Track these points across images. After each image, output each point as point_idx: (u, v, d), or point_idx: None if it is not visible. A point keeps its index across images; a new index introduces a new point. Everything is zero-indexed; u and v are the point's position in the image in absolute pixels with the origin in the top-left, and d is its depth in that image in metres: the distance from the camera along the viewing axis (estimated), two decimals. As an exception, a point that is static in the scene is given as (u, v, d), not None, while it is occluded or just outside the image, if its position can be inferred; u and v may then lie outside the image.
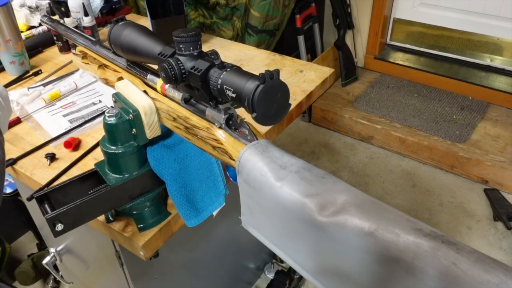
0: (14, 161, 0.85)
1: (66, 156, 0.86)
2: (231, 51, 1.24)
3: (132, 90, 0.63)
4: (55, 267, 1.23)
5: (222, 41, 1.31)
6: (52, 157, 0.85)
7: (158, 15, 1.17)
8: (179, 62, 0.51)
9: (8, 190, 1.54)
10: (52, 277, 1.60)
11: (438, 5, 2.33)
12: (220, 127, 0.51)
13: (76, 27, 1.23)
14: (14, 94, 1.05)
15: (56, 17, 1.28)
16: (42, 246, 1.68)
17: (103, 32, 1.38)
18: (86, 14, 1.22)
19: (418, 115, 2.22)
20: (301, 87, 1.05)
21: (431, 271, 0.32)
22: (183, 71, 0.51)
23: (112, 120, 0.61)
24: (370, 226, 0.36)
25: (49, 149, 0.88)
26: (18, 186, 1.34)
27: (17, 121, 0.97)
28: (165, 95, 0.60)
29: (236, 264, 1.39)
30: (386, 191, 1.99)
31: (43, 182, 0.80)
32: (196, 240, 1.06)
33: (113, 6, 1.46)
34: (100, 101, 1.04)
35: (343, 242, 0.37)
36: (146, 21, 1.37)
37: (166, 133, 0.67)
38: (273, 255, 1.62)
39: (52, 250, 1.15)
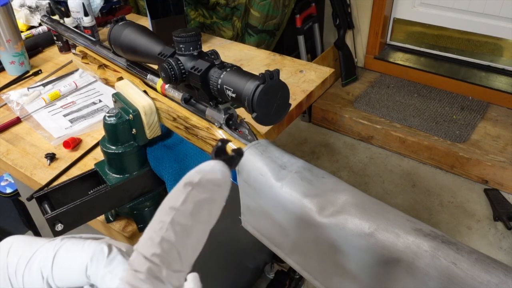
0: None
1: (66, 156, 0.86)
2: (231, 51, 1.24)
3: (132, 90, 0.63)
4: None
5: (222, 41, 1.31)
6: (52, 157, 0.85)
7: (158, 15, 1.17)
8: (179, 62, 0.51)
9: (8, 190, 1.55)
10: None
11: (438, 5, 2.33)
12: (220, 127, 0.51)
13: (76, 27, 1.23)
14: (14, 94, 1.05)
15: (56, 17, 1.28)
16: (42, 246, 1.68)
17: (103, 32, 1.38)
18: (86, 14, 1.22)
19: (418, 115, 2.22)
20: (301, 87, 1.05)
21: (431, 271, 0.32)
22: (183, 71, 0.51)
23: (112, 120, 0.61)
24: (370, 226, 0.36)
25: (49, 149, 0.89)
26: (18, 186, 1.34)
27: (17, 121, 0.97)
28: (165, 95, 0.60)
29: (236, 264, 1.39)
30: (386, 191, 1.99)
31: (43, 182, 0.80)
32: (196, 240, 1.05)
33: (113, 6, 1.46)
34: (100, 101, 1.04)
35: (343, 242, 0.37)
36: (146, 21, 1.37)
37: (166, 133, 0.67)
38: (273, 255, 1.62)
39: (52, 250, 1.14)
